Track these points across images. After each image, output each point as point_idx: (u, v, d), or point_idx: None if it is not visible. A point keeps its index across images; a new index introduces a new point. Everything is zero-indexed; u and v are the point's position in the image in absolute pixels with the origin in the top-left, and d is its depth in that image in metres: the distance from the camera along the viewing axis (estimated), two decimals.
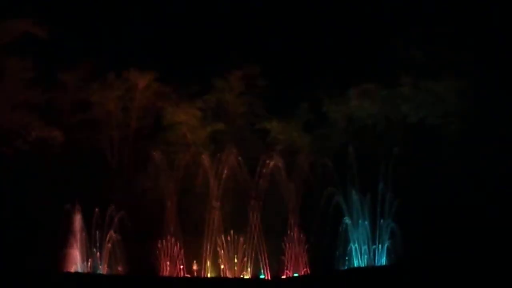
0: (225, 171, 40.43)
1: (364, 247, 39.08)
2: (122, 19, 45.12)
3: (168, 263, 39.50)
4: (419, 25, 43.06)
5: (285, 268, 39.75)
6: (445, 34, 42.26)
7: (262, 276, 39.30)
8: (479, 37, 41.13)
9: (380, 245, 39.04)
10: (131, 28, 45.17)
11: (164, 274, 39.02)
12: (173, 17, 47.03)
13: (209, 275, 39.48)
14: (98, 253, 38.12)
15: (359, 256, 39.05)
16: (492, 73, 40.53)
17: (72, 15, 43.81)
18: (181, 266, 39.71)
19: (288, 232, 40.53)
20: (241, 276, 39.38)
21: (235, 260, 39.91)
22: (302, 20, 47.67)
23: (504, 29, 40.41)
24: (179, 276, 38.98)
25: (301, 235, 40.33)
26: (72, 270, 36.79)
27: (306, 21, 47.62)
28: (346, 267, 38.71)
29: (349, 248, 39.17)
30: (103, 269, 38.07)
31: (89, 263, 37.89)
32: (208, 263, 39.80)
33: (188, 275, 39.35)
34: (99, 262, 38.05)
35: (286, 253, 39.90)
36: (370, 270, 37.23)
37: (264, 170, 40.16)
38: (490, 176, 38.80)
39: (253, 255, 39.50)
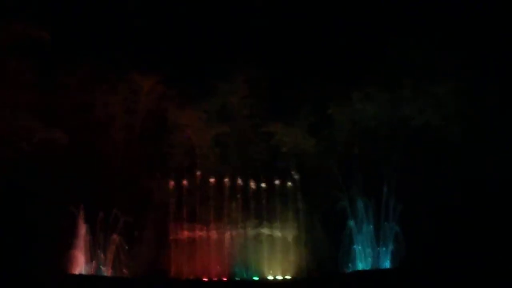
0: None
1: (368, 250, 39.03)
2: (126, 21, 45.09)
3: (171, 265, 39.60)
4: (420, 27, 43.14)
5: (290, 270, 39.76)
6: (446, 37, 42.32)
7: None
8: (480, 39, 41.17)
9: (384, 248, 38.98)
10: (135, 30, 45.15)
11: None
12: (177, 19, 47.04)
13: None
14: (102, 255, 38.15)
15: (363, 259, 39.00)
16: (493, 75, 40.55)
17: (75, 17, 43.81)
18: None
19: (292, 235, 40.59)
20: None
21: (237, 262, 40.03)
22: (306, 23, 47.63)
23: (504, 31, 40.46)
24: (182, 278, 38.98)
25: (305, 238, 40.37)
26: (76, 272, 36.84)
27: (310, 24, 47.58)
28: (350, 270, 38.67)
29: (353, 250, 39.12)
30: (107, 271, 38.09)
31: (93, 265, 37.92)
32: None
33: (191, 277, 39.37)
34: (103, 264, 38.08)
35: (290, 255, 39.90)
36: (374, 273, 37.21)
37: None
38: (493, 179, 38.76)
39: (259, 257, 39.58)
